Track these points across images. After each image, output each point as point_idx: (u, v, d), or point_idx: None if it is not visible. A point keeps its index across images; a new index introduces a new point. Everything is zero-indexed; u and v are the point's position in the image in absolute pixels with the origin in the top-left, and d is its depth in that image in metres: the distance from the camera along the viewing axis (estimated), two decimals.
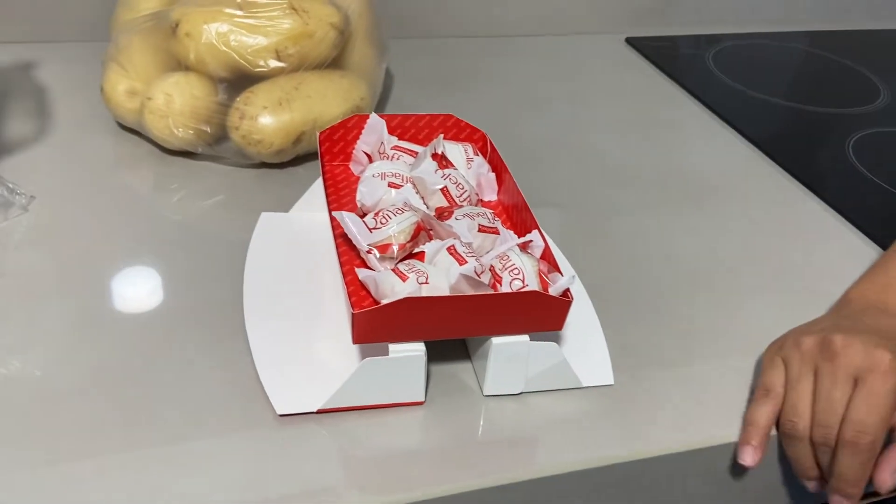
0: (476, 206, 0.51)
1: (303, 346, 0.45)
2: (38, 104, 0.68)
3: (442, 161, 0.52)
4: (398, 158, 0.53)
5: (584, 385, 0.45)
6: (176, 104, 0.59)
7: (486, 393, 0.44)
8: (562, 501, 0.43)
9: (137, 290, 0.50)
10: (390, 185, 0.49)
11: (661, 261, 0.57)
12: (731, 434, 0.44)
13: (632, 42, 0.95)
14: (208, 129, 0.59)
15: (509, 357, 0.43)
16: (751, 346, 0.50)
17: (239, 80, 0.60)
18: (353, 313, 0.39)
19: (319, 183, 0.54)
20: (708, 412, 0.45)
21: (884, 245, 0.60)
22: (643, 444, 0.43)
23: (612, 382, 0.46)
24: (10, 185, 0.54)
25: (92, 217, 0.56)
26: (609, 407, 0.45)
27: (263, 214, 0.55)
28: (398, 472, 0.40)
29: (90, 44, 0.73)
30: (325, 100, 0.61)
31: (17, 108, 0.67)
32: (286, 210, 0.57)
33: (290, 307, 0.48)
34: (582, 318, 0.49)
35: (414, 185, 0.50)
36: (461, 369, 0.46)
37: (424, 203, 0.49)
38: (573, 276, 0.43)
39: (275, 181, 0.62)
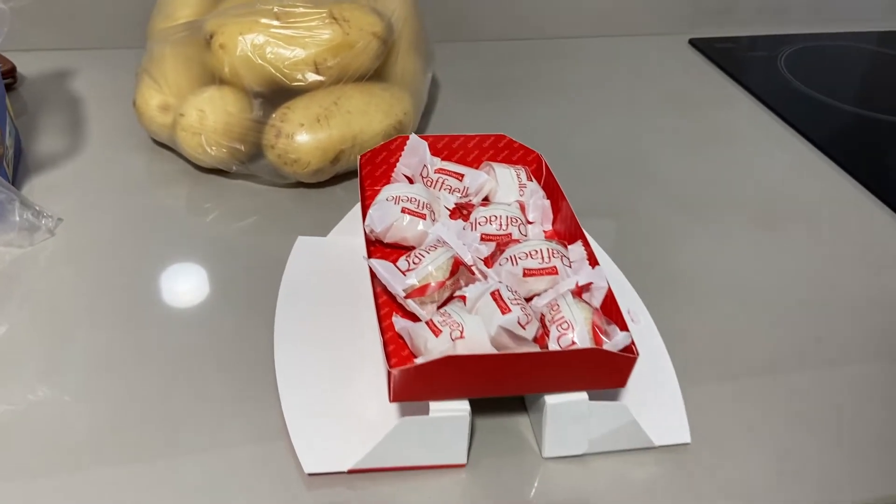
0: (529, 236, 0.46)
1: (337, 395, 0.41)
2: (71, 117, 0.66)
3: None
4: (442, 183, 0.49)
5: (657, 444, 0.40)
6: (209, 121, 0.55)
7: (545, 455, 0.39)
8: None
9: (165, 319, 0.47)
10: (404, 210, 0.45)
11: (731, 295, 0.52)
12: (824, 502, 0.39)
13: (695, 43, 0.89)
14: (242, 148, 0.56)
15: (567, 418, 0.38)
16: (840, 401, 0.44)
17: (275, 95, 0.56)
18: (389, 371, 0.35)
19: (360, 207, 0.50)
20: (799, 479, 0.40)
21: None
22: None
23: (688, 441, 0.41)
24: (37, 209, 0.52)
25: (120, 240, 0.53)
26: (685, 469, 0.40)
27: (300, 238, 0.52)
28: None
29: (131, 50, 0.70)
30: (366, 116, 0.57)
31: (50, 121, 0.65)
32: (324, 233, 0.53)
33: (325, 347, 0.44)
34: (655, 365, 0.44)
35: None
36: (521, 423, 0.41)
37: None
38: (628, 335, 0.38)
39: (312, 202, 0.58)
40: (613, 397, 0.40)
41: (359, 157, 0.50)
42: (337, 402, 0.40)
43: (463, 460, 0.39)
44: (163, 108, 0.58)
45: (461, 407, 0.37)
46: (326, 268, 0.49)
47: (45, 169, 0.59)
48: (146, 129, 0.61)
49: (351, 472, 0.38)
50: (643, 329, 0.47)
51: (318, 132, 0.55)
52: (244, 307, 0.48)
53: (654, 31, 0.90)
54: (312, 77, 0.55)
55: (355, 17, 0.57)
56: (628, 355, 0.37)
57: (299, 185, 0.59)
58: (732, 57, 0.85)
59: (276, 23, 0.55)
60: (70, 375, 0.43)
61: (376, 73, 0.59)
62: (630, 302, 0.49)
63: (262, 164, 0.57)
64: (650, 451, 0.40)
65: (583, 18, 0.88)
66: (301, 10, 0.55)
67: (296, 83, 0.55)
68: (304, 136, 0.55)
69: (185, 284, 0.50)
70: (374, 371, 0.42)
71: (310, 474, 0.38)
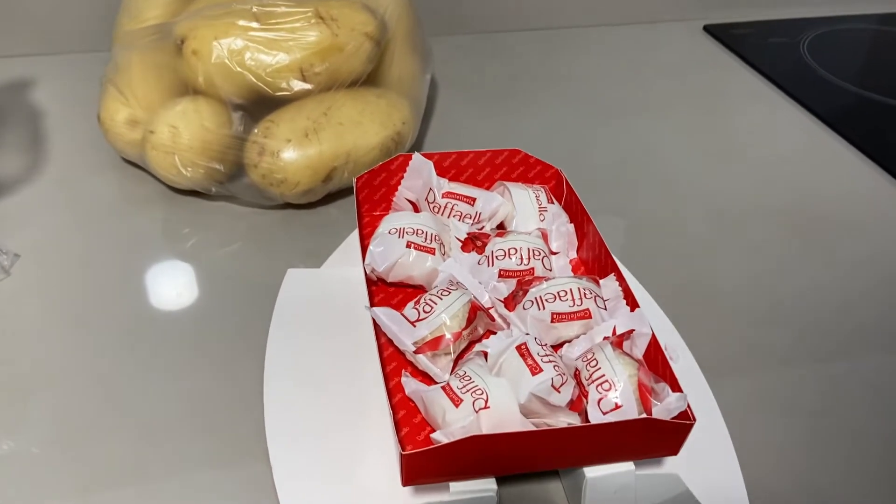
0: (554, 271, 0.40)
1: (338, 463, 0.35)
2: (31, 132, 0.59)
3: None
4: (451, 209, 0.43)
5: None
6: (183, 138, 0.49)
7: None
8: None
9: (141, 365, 0.41)
10: (409, 244, 0.39)
11: (780, 324, 0.46)
12: None
13: (710, 30, 0.82)
14: (221, 168, 0.50)
15: (610, 491, 0.32)
16: None
17: (257, 107, 0.50)
18: (401, 454, 0.29)
19: (357, 234, 0.44)
20: None
21: None
22: None
23: None
24: None
25: (87, 276, 0.47)
26: None
27: (290, 272, 0.45)
28: None
29: (98, 54, 0.63)
30: (360, 127, 0.50)
31: (7, 138, 0.59)
32: (317, 262, 0.47)
33: (324, 404, 0.37)
34: (702, 413, 0.38)
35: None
36: (553, 491, 0.35)
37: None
38: (683, 397, 0.32)
39: (302, 225, 0.52)
40: (660, 462, 0.34)
41: (354, 179, 0.44)
42: (338, 473, 0.34)
43: None
44: (131, 123, 0.52)
45: (487, 487, 0.31)
46: (321, 307, 0.43)
47: (2, 194, 0.53)
48: (113, 147, 0.54)
49: None
50: (683, 368, 0.41)
51: (306, 148, 0.49)
52: (229, 349, 0.42)
53: (665, 17, 0.84)
54: (298, 85, 0.49)
55: (344, 16, 0.50)
56: (684, 422, 0.31)
57: (287, 206, 0.53)
58: (751, 44, 0.79)
59: (255, 24, 0.48)
60: (37, 427, 0.38)
61: (370, 78, 0.53)
62: (665, 332, 0.43)
63: (245, 185, 0.51)
64: None
65: (588, 6, 0.81)
66: (283, 9, 0.49)
67: (280, 92, 0.49)
68: (290, 153, 0.49)
69: (163, 324, 0.44)
70: (380, 434, 0.36)
71: None
